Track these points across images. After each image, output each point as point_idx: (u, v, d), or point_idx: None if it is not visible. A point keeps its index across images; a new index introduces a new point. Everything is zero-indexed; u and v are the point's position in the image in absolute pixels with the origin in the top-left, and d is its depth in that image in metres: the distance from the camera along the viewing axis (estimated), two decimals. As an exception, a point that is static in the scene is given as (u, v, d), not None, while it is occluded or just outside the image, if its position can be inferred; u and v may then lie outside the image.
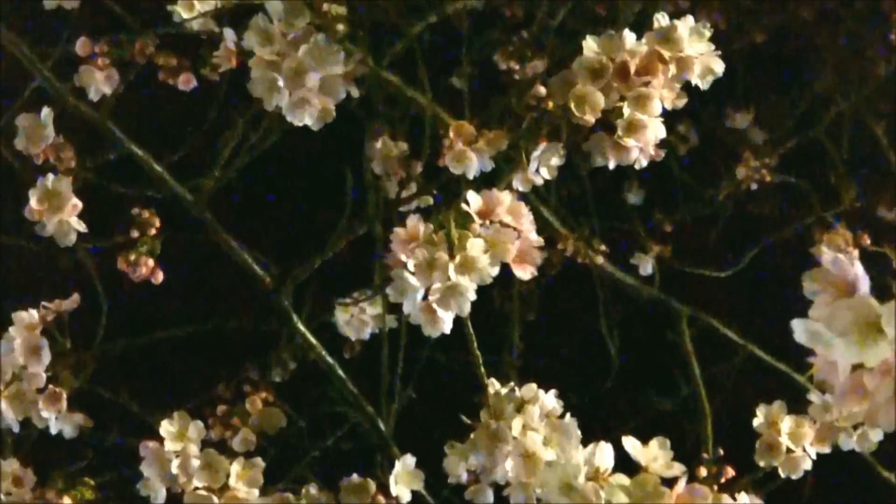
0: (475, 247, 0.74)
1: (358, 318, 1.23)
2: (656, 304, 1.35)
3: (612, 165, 0.83)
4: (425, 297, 0.75)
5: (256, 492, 0.88)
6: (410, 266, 0.74)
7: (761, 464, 0.92)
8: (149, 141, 1.08)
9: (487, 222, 0.76)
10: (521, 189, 0.86)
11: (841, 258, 0.54)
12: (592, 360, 1.46)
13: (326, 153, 1.25)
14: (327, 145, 1.16)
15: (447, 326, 0.76)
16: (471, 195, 0.77)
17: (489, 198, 0.77)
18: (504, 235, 0.75)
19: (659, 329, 1.34)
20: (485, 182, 0.85)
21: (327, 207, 1.13)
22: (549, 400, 0.82)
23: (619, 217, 1.50)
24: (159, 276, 0.97)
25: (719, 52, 0.83)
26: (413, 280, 0.74)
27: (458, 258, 0.74)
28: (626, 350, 1.45)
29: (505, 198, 0.77)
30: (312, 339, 1.08)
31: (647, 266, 1.42)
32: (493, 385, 0.83)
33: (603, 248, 1.32)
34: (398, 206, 0.97)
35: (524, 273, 0.77)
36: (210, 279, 1.36)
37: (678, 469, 0.71)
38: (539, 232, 0.78)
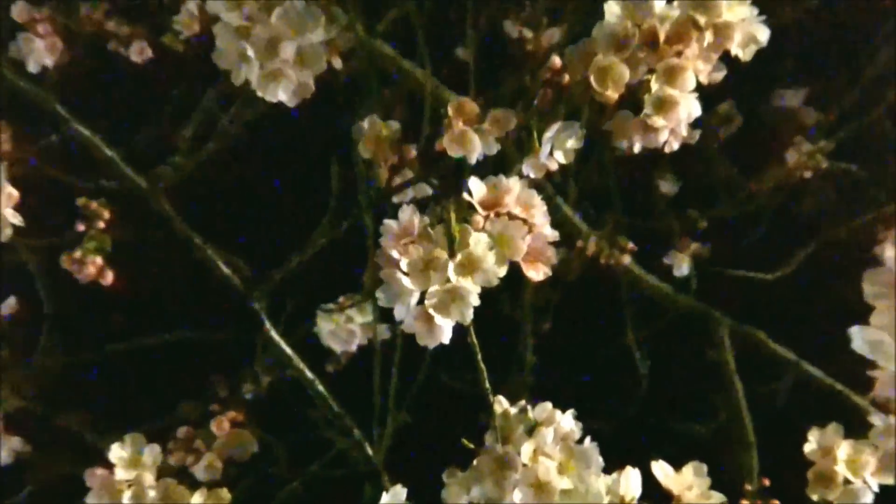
0: (479, 243, 0.74)
1: (344, 328, 1.23)
2: (692, 312, 1.34)
3: (638, 149, 0.83)
4: (421, 303, 0.74)
5: (222, 528, 0.87)
6: (404, 266, 0.74)
7: (814, 497, 0.92)
8: (101, 122, 1.07)
9: (493, 215, 0.76)
10: (532, 176, 0.86)
11: (906, 257, 0.53)
12: (617, 377, 1.45)
13: (308, 137, 1.25)
14: (309, 127, 1.16)
15: (446, 337, 0.75)
16: (474, 183, 0.77)
17: (496, 186, 0.77)
18: (513, 230, 0.75)
19: (695, 341, 1.33)
20: (491, 169, 0.84)
21: (309, 199, 1.12)
22: (566, 421, 0.81)
23: (648, 211, 1.50)
24: (109, 278, 0.97)
25: (764, 18, 0.82)
26: (407, 282, 0.73)
27: (459, 257, 0.74)
28: (656, 366, 1.45)
29: (514, 186, 0.77)
30: (290, 352, 1.08)
31: (682, 267, 1.42)
32: (501, 404, 0.83)
33: (630, 246, 1.31)
34: (390, 196, 0.97)
35: (537, 274, 0.76)
36: (175, 283, 1.36)
37: (716, 499, 0.71)
38: (555, 227, 0.78)
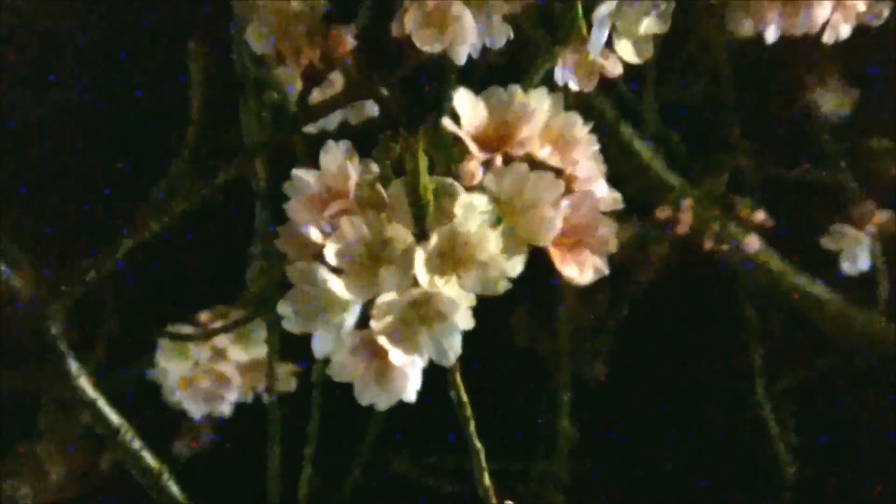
0: (473, 213, 0.74)
1: (211, 371, 1.23)
2: (882, 344, 1.36)
3: (773, 37, 0.84)
4: (364, 325, 0.74)
5: None
6: (331, 255, 0.74)
7: None
8: None
9: (500, 159, 0.76)
10: (574, 88, 0.87)
11: None
12: (735, 465, 1.46)
13: (151, 17, 1.26)
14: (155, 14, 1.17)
15: (411, 390, 0.76)
16: (463, 99, 0.78)
17: (505, 106, 0.78)
18: (537, 188, 0.75)
19: (886, 401, 1.34)
20: (496, 74, 0.85)
21: (152, 133, 1.13)
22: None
23: (796, 152, 1.50)
24: None
25: None
26: (336, 286, 0.74)
27: (435, 238, 0.74)
28: (810, 445, 1.46)
29: (540, 105, 0.78)
30: (114, 417, 1.09)
31: (860, 257, 1.42)
32: (514, 513, 0.84)
33: (759, 217, 1.32)
34: (306, 121, 0.97)
35: (580, 273, 0.77)
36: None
37: None
38: (618, 183, 0.79)
